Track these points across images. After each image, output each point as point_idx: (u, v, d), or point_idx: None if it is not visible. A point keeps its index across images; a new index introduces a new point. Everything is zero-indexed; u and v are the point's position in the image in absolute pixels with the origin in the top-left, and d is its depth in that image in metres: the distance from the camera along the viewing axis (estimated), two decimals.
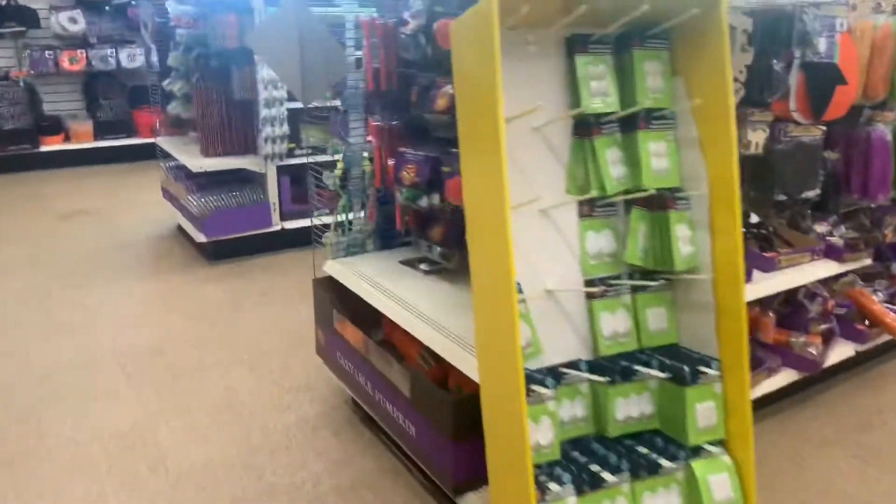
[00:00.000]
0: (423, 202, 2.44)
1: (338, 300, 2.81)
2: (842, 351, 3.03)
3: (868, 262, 2.98)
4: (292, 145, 4.74)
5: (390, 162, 2.57)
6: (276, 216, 4.76)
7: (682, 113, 1.84)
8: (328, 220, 3.04)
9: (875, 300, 3.14)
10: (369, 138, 2.86)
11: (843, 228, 3.01)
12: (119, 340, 3.56)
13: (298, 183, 5.03)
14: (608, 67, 1.84)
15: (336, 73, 2.75)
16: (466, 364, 2.03)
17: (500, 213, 1.57)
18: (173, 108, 5.01)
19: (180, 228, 5.22)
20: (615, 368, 1.83)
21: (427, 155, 2.42)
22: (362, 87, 2.80)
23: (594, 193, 1.82)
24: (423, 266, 2.71)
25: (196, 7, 4.53)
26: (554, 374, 1.80)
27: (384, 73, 2.62)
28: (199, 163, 4.48)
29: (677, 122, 1.88)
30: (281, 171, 4.72)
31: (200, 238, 4.55)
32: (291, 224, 4.82)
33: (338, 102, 3.14)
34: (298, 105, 4.73)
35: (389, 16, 2.60)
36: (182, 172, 4.86)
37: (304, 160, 4.87)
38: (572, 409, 1.84)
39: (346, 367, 2.72)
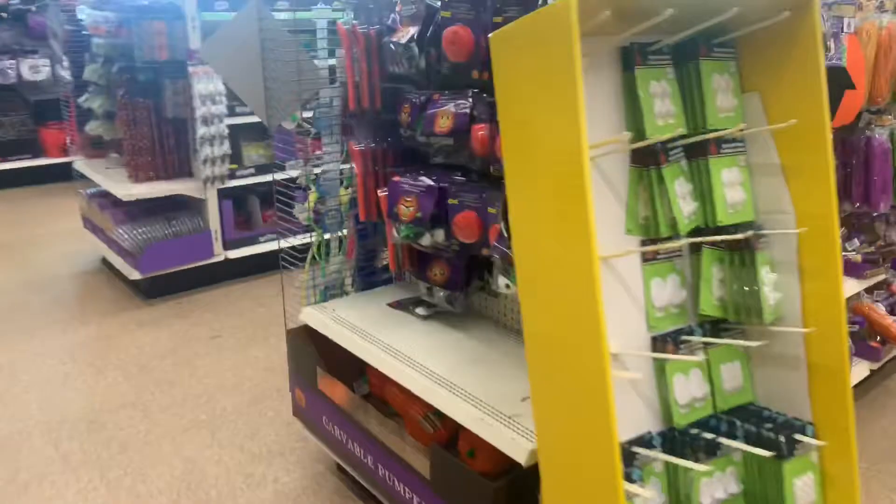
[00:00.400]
0: (426, 240, 2.08)
1: (318, 353, 2.42)
2: (858, 372, 2.86)
3: (883, 276, 2.81)
4: (234, 166, 4.26)
5: (381, 193, 2.20)
6: (218, 245, 4.27)
7: (758, 136, 1.56)
8: (289, 242, 2.62)
9: (884, 314, 2.99)
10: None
11: (856, 242, 2.83)
12: (47, 409, 3.01)
13: (242, 207, 4.56)
14: (670, 82, 1.54)
15: (307, 89, 2.35)
16: (502, 440, 1.69)
17: (583, 265, 1.24)
18: (93, 128, 4.43)
19: (106, 262, 4.63)
20: (698, 443, 1.53)
21: (429, 185, 2.06)
22: (337, 104, 2.41)
23: (663, 233, 1.52)
24: (419, 310, 2.34)
25: (116, 13, 3.99)
26: (625, 455, 1.48)
27: (366, 89, 2.25)
28: (129, 190, 3.94)
29: (748, 145, 1.60)
30: (222, 194, 4.24)
31: (134, 275, 4.01)
32: (236, 253, 4.35)
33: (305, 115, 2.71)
34: (239, 121, 4.27)
35: (372, 23, 2.23)
36: (107, 200, 4.29)
37: (246, 181, 4.42)
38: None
39: (335, 435, 2.32)
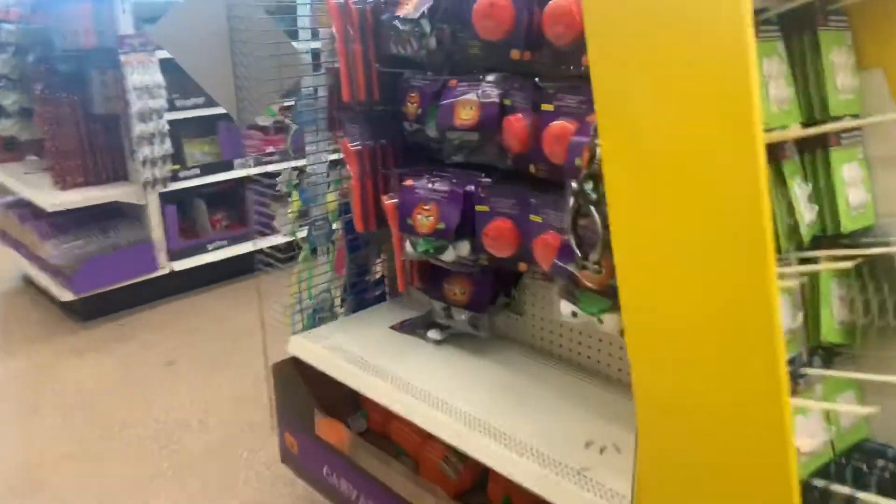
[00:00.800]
0: (450, 255, 1.74)
1: (311, 390, 2.05)
2: None
3: None
4: (176, 167, 3.78)
5: (388, 200, 1.84)
6: (162, 256, 3.79)
7: (881, 123, 1.29)
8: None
9: None
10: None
11: None
12: None
13: (186, 212, 4.08)
14: (782, 58, 1.25)
15: (286, 79, 1.96)
16: (566, 497, 1.39)
17: (753, 293, 0.94)
18: (5, 127, 3.87)
19: (29, 280, 4.07)
20: (830, 502, 1.25)
21: (452, 190, 1.72)
22: (322, 95, 2.03)
23: (783, 246, 1.23)
24: (431, 333, 2.00)
25: None
26: None
27: (361, 76, 1.88)
28: (55, 199, 3.42)
29: (865, 134, 1.33)
30: (164, 199, 3.76)
31: (66, 296, 3.49)
32: (183, 264, 3.88)
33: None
34: (180, 116, 3.79)
35: None
36: (29, 211, 3.75)
37: (191, 183, 3.94)
38: None
39: (341, 489, 1.96)
